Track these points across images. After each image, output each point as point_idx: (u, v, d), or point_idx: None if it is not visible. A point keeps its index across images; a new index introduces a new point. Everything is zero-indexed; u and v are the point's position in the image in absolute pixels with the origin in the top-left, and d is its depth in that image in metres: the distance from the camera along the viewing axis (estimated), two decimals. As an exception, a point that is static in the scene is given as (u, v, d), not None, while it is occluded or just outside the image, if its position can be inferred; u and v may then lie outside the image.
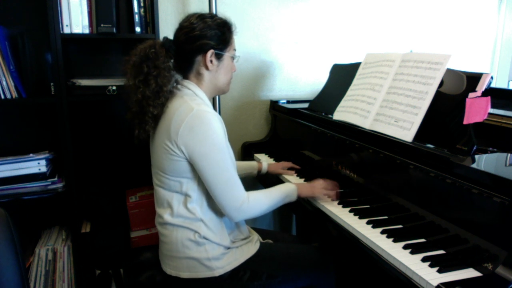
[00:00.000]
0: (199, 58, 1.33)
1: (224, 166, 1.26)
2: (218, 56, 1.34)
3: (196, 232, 1.29)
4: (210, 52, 1.32)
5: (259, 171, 1.79)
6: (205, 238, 1.29)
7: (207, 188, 1.28)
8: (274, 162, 2.00)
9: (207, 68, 1.34)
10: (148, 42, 1.31)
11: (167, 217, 1.31)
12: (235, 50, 1.42)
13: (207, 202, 1.32)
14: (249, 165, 1.79)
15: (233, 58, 1.41)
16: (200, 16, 1.34)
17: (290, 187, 1.47)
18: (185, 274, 1.31)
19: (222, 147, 1.26)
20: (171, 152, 1.25)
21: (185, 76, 1.38)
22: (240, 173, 1.72)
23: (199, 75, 1.36)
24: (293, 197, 1.47)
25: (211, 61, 1.33)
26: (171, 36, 1.38)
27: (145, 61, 1.27)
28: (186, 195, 1.30)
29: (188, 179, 1.29)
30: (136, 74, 1.28)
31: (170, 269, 1.33)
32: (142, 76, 1.27)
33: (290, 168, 1.83)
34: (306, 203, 1.55)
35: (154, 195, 1.39)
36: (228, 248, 1.34)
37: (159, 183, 1.34)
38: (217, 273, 1.29)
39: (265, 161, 1.82)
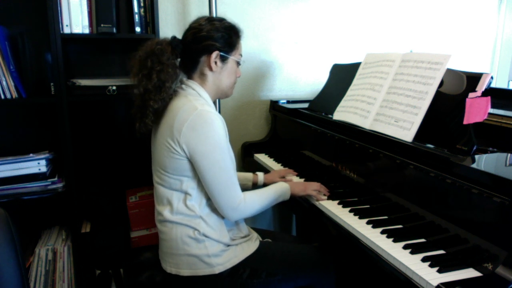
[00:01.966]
0: (203, 59, 1.35)
1: (224, 167, 1.27)
2: (223, 59, 1.36)
3: (195, 229, 1.30)
4: (215, 54, 1.34)
5: (255, 183, 1.74)
6: (204, 235, 1.30)
7: (205, 187, 1.29)
8: (274, 164, 2.00)
9: (210, 69, 1.35)
10: (156, 40, 1.35)
11: (166, 214, 1.32)
12: (241, 55, 1.44)
13: (206, 200, 1.33)
14: (244, 177, 1.73)
15: (238, 62, 1.43)
16: (209, 19, 1.37)
17: (284, 186, 1.49)
18: (185, 272, 1.31)
19: (223, 147, 1.27)
20: (172, 150, 1.26)
21: (190, 76, 1.40)
22: None
23: (202, 75, 1.37)
24: (287, 196, 1.49)
25: (215, 63, 1.35)
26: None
27: (150, 56, 1.30)
28: (186, 193, 1.31)
29: (188, 177, 1.30)
30: (141, 68, 1.31)
31: (170, 266, 1.34)
32: (146, 71, 1.30)
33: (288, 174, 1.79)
34: (305, 203, 1.55)
35: (154, 193, 1.40)
36: (228, 245, 1.34)
37: (159, 181, 1.35)
38: (217, 270, 1.30)
39: (261, 173, 1.76)
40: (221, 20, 1.39)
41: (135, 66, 1.32)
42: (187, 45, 1.36)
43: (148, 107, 1.29)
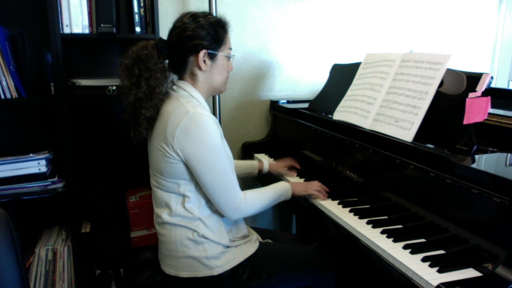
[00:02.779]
0: (192, 59, 1.32)
1: (221, 169, 1.26)
2: (212, 56, 1.33)
3: (194, 231, 1.29)
4: (202, 52, 1.30)
5: (260, 171, 1.76)
6: (203, 237, 1.29)
7: (204, 190, 1.29)
8: (274, 161, 2.00)
9: (200, 68, 1.32)
10: (140, 44, 1.31)
11: (165, 216, 1.31)
12: (230, 49, 1.39)
13: (205, 202, 1.32)
14: (250, 165, 1.76)
15: (228, 57, 1.39)
16: (193, 16, 1.32)
17: (285, 186, 1.48)
18: (184, 274, 1.31)
19: (218, 149, 1.26)
20: (167, 155, 1.25)
21: (180, 77, 1.37)
22: (240, 173, 1.71)
23: (193, 75, 1.35)
24: (288, 196, 1.49)
25: (204, 61, 1.31)
26: (171, 36, 1.37)
27: (136, 63, 1.27)
28: (184, 196, 1.30)
29: (185, 180, 1.29)
30: (129, 76, 1.28)
31: (170, 268, 1.33)
32: (134, 79, 1.28)
33: (292, 167, 1.82)
34: (305, 203, 1.55)
35: (152, 196, 1.39)
36: (227, 247, 1.34)
37: (157, 185, 1.34)
38: (216, 272, 1.29)
39: (266, 160, 1.79)
40: (206, 15, 1.33)
41: (123, 74, 1.30)
42: (173, 46, 1.32)
43: (141, 115, 1.27)
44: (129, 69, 1.28)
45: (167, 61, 1.35)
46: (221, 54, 1.35)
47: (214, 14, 1.37)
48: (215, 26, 1.33)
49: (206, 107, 1.34)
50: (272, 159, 2.06)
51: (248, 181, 2.23)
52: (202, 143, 1.23)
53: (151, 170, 1.36)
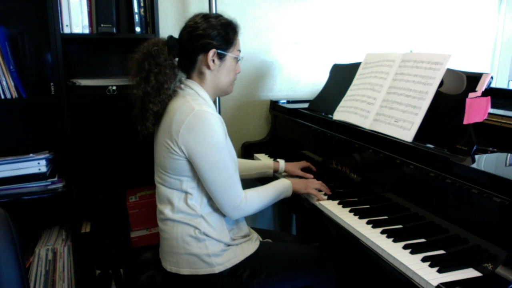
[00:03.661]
0: (201, 57, 1.34)
1: (223, 167, 1.27)
2: (221, 56, 1.35)
3: (196, 228, 1.30)
4: (212, 52, 1.33)
5: (276, 171, 1.76)
6: (205, 234, 1.30)
7: (206, 187, 1.30)
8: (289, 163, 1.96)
9: (208, 67, 1.34)
10: (152, 40, 1.34)
11: (167, 212, 1.32)
12: (239, 51, 1.42)
13: (207, 200, 1.33)
14: (264, 165, 1.75)
15: (236, 59, 1.41)
16: (205, 16, 1.36)
17: (285, 184, 1.49)
18: (185, 271, 1.31)
19: (222, 147, 1.27)
20: (171, 151, 1.27)
21: (188, 75, 1.40)
22: (254, 173, 1.73)
23: (201, 74, 1.37)
24: (289, 193, 1.50)
25: (213, 61, 1.34)
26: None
27: (147, 58, 1.30)
28: (187, 193, 1.31)
29: (188, 177, 1.30)
30: (139, 71, 1.31)
31: (171, 265, 1.34)
32: (144, 73, 1.30)
33: (306, 169, 1.77)
34: (306, 203, 1.55)
35: (156, 192, 1.41)
36: (228, 245, 1.34)
37: (160, 181, 1.35)
38: (217, 269, 1.30)
39: (282, 160, 1.78)
40: (217, 17, 1.37)
41: (133, 68, 1.32)
42: (183, 44, 1.35)
43: (148, 109, 1.30)
44: (140, 63, 1.31)
45: (176, 59, 1.37)
46: (229, 55, 1.37)
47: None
48: (226, 27, 1.36)
49: (212, 105, 1.36)
50: (272, 159, 2.06)
51: (247, 180, 2.22)
52: (206, 140, 1.24)
53: (156, 167, 1.38)
